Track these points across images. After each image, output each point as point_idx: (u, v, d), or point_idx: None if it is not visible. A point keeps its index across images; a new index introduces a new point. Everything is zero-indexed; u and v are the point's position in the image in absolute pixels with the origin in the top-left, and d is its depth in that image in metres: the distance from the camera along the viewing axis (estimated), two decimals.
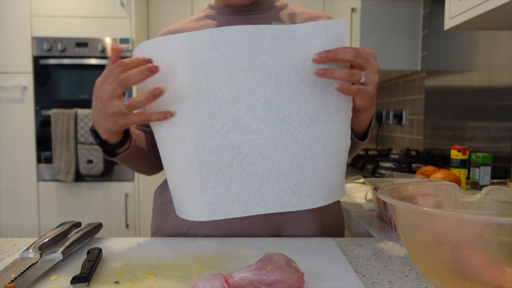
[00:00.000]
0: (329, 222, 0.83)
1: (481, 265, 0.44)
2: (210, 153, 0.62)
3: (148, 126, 0.85)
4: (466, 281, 0.46)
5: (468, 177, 1.29)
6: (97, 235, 0.74)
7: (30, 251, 0.60)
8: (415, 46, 2.15)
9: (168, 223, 0.81)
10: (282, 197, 0.64)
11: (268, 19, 0.81)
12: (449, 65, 1.85)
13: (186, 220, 0.78)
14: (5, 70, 2.56)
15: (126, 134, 0.71)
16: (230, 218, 0.72)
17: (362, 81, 0.62)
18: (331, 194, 0.68)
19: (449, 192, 0.61)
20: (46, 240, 0.65)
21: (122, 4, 2.57)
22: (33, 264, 0.57)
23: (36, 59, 2.57)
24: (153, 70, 0.58)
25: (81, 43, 2.58)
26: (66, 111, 2.55)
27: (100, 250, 0.62)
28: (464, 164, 1.27)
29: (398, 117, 2.37)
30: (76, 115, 2.54)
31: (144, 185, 2.66)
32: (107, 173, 2.61)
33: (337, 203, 0.86)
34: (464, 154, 1.27)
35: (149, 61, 0.60)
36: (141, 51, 0.62)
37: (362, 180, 1.45)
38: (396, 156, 1.93)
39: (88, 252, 0.62)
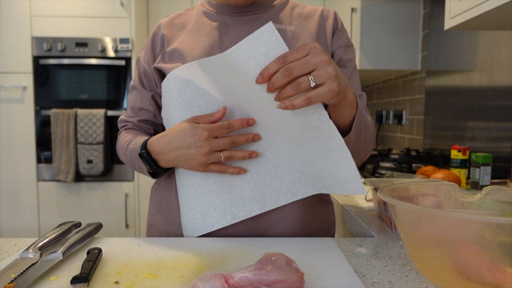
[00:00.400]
0: (316, 222, 0.82)
1: (481, 265, 0.44)
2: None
3: (155, 125, 0.89)
4: (466, 281, 0.46)
5: (468, 177, 1.29)
6: (97, 235, 0.74)
7: (30, 251, 0.60)
8: (415, 46, 2.15)
9: (160, 220, 0.83)
10: (292, 188, 0.71)
11: (265, 20, 0.80)
12: (449, 65, 1.85)
13: (176, 219, 0.80)
14: (5, 70, 2.56)
15: None
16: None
17: (312, 85, 0.55)
18: (339, 186, 0.67)
19: (449, 192, 0.61)
20: (46, 240, 0.65)
21: (122, 4, 2.57)
22: (33, 264, 0.57)
23: (36, 59, 2.57)
24: (256, 139, 0.70)
25: (81, 43, 2.58)
26: (66, 111, 2.55)
27: (100, 250, 0.62)
28: (464, 164, 1.27)
29: (398, 117, 2.37)
30: (76, 115, 2.54)
31: (144, 185, 2.66)
32: (107, 173, 2.61)
33: (328, 204, 0.86)
34: (464, 154, 1.27)
35: (251, 123, 0.68)
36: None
37: (362, 180, 1.45)
38: (396, 156, 1.93)
39: (88, 252, 0.62)
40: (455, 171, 1.27)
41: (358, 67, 2.12)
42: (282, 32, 0.79)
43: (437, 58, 1.96)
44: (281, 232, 0.77)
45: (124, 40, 2.58)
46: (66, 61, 2.56)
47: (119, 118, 0.91)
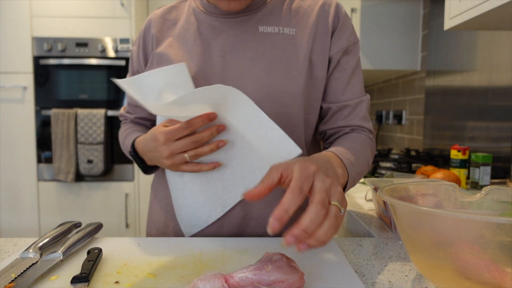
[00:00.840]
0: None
1: (481, 265, 0.44)
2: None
3: (149, 120, 0.90)
4: (466, 281, 0.46)
5: (468, 177, 1.29)
6: (97, 235, 0.74)
7: (30, 251, 0.60)
8: (415, 46, 2.15)
9: (159, 216, 0.84)
10: (261, 164, 0.72)
11: (255, 21, 0.76)
12: (449, 65, 1.85)
13: (172, 220, 0.82)
14: (5, 70, 2.56)
15: None
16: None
17: (341, 213, 0.49)
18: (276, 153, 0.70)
19: (449, 192, 0.61)
20: (46, 240, 0.65)
21: (122, 4, 2.57)
22: (33, 264, 0.57)
23: (36, 59, 2.57)
24: (221, 130, 0.67)
25: (81, 43, 2.58)
26: (66, 111, 2.55)
27: (100, 250, 0.62)
28: (464, 164, 1.27)
29: (398, 117, 2.37)
30: (76, 115, 2.54)
31: (144, 185, 2.66)
32: (107, 173, 2.62)
33: None
34: (464, 154, 1.27)
35: (213, 117, 0.65)
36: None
37: (362, 180, 1.45)
38: (396, 156, 1.93)
39: (88, 252, 0.62)
40: (455, 171, 1.27)
41: None
42: (271, 36, 0.74)
43: (437, 58, 1.96)
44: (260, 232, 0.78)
45: (124, 40, 2.58)
46: (66, 61, 2.56)
47: (120, 112, 0.94)
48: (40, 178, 2.64)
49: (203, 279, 0.47)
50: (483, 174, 1.23)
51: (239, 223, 0.77)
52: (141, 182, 2.66)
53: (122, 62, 2.58)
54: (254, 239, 0.72)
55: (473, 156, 1.26)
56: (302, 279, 0.50)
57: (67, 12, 2.56)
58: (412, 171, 1.50)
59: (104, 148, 2.55)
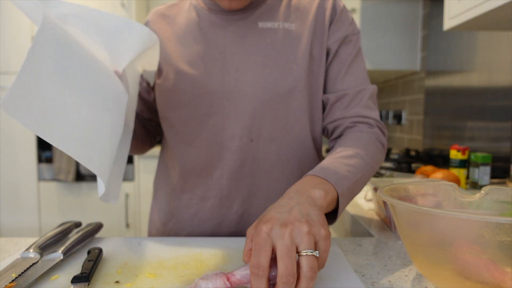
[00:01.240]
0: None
1: (481, 265, 0.44)
2: None
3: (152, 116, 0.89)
4: (466, 281, 0.46)
5: (467, 177, 1.29)
6: (97, 235, 0.74)
7: (31, 250, 0.61)
8: (414, 46, 2.15)
9: (159, 215, 0.85)
10: None
11: (255, 18, 0.76)
12: (449, 65, 1.85)
13: (171, 218, 0.82)
14: (5, 70, 2.56)
15: None
16: (211, 221, 0.79)
17: (317, 255, 0.46)
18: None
19: (448, 192, 0.61)
20: (46, 240, 0.65)
21: (123, 5, 2.57)
22: (33, 263, 0.57)
23: None
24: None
25: None
26: None
27: (100, 250, 0.62)
28: (464, 164, 1.27)
29: (398, 117, 2.37)
30: None
31: (144, 185, 2.66)
32: None
33: None
34: (463, 154, 1.27)
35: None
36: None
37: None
38: (396, 156, 1.93)
39: (89, 252, 0.62)
40: (455, 171, 1.27)
41: None
42: (271, 31, 0.75)
43: (437, 58, 1.97)
44: None
45: None
46: None
47: None
48: (40, 178, 2.64)
49: (205, 278, 0.47)
50: (482, 174, 1.24)
51: (238, 221, 0.77)
52: (141, 182, 2.66)
53: None
54: None
55: (472, 156, 1.26)
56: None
57: None
58: (412, 171, 1.50)
59: None
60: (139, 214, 2.68)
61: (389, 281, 0.56)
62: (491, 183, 1.26)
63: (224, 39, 0.75)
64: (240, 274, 0.47)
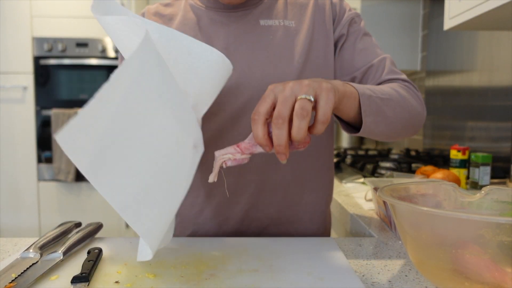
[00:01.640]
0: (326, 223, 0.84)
1: (481, 265, 0.44)
2: None
3: None
4: (466, 281, 0.46)
5: (467, 177, 1.29)
6: (97, 235, 0.74)
7: (31, 251, 0.61)
8: (414, 46, 2.15)
9: None
10: None
11: (256, 16, 0.77)
12: (449, 65, 1.85)
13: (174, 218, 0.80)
14: (5, 70, 2.56)
15: None
16: (214, 221, 0.78)
17: (311, 100, 0.49)
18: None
19: (448, 192, 0.61)
20: (46, 240, 0.65)
21: (123, 5, 2.57)
22: (33, 264, 0.57)
23: (36, 59, 2.57)
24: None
25: (82, 44, 2.58)
26: (67, 111, 2.55)
27: (100, 250, 0.62)
28: (464, 164, 1.27)
29: None
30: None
31: None
32: None
33: (328, 206, 0.86)
34: (463, 154, 1.27)
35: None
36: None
37: (362, 180, 1.45)
38: (396, 156, 1.93)
39: (89, 252, 0.62)
40: (455, 171, 1.27)
41: None
42: (272, 29, 0.76)
43: (437, 58, 1.96)
44: (301, 231, 0.78)
45: None
46: (66, 61, 2.56)
47: None
48: (40, 178, 2.64)
49: (218, 150, 0.55)
50: (482, 174, 1.23)
51: (243, 217, 0.77)
52: None
53: None
54: (254, 239, 0.72)
55: (472, 156, 1.26)
56: (309, 136, 0.53)
57: (67, 12, 2.56)
58: (412, 171, 1.50)
59: None
60: None
61: (389, 281, 0.55)
62: (492, 183, 1.26)
63: (226, 36, 0.76)
64: (248, 139, 0.54)
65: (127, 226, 2.66)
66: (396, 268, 0.60)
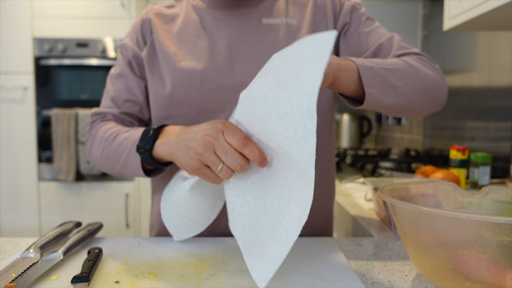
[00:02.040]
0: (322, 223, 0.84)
1: (481, 265, 0.44)
2: None
3: (139, 120, 0.81)
4: (466, 281, 0.46)
5: (467, 177, 1.29)
6: (97, 235, 0.74)
7: (31, 250, 0.61)
8: (414, 46, 2.15)
9: (159, 220, 0.82)
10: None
11: (258, 14, 0.77)
12: (448, 65, 1.85)
13: None
14: (6, 71, 2.56)
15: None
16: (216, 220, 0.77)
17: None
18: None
19: (448, 192, 0.61)
20: (46, 240, 0.65)
21: (123, 5, 2.57)
22: (33, 263, 0.57)
23: (37, 60, 2.57)
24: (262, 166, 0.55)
25: (82, 44, 2.58)
26: (67, 111, 2.55)
27: (100, 250, 0.62)
28: (464, 164, 1.27)
29: (398, 117, 2.37)
30: (77, 115, 2.55)
31: (144, 185, 2.66)
32: (107, 173, 2.61)
33: (331, 204, 0.86)
34: (463, 154, 1.27)
35: (264, 164, 0.55)
36: None
37: (362, 180, 1.46)
38: (396, 156, 1.93)
39: (89, 252, 0.62)
40: (454, 171, 1.27)
41: None
42: (274, 27, 0.76)
43: (436, 58, 1.96)
44: (303, 230, 0.78)
45: None
46: (67, 61, 2.56)
47: (93, 111, 0.81)
48: (40, 178, 2.64)
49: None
50: (482, 174, 1.23)
51: None
52: (141, 182, 2.66)
53: None
54: None
55: (472, 156, 1.26)
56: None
57: (67, 12, 2.56)
58: (412, 171, 1.50)
59: None
60: (139, 214, 2.68)
61: (389, 281, 0.56)
62: (491, 183, 1.26)
63: (229, 34, 0.76)
64: None
65: (127, 226, 2.66)
66: (396, 268, 0.60)
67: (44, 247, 0.63)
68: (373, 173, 1.52)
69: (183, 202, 0.65)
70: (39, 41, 2.56)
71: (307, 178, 0.47)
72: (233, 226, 0.58)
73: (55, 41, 2.56)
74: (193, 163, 0.56)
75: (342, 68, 0.57)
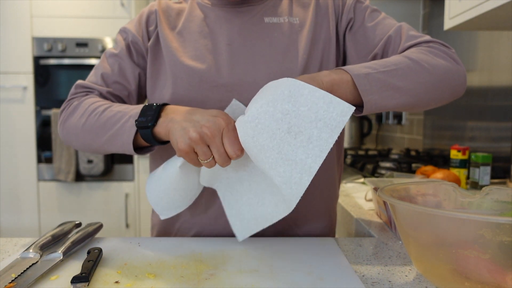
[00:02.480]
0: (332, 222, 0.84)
1: (481, 265, 0.44)
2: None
3: (121, 99, 0.80)
4: (466, 281, 0.46)
5: (468, 177, 1.29)
6: (97, 235, 0.74)
7: (31, 251, 0.60)
8: None
9: (161, 220, 0.82)
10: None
11: (260, 13, 0.77)
12: None
13: (177, 219, 0.80)
14: (5, 70, 2.56)
15: None
16: (218, 220, 0.78)
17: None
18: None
19: (449, 192, 0.61)
20: (46, 240, 0.65)
21: (122, 5, 2.57)
22: (33, 264, 0.57)
23: (36, 59, 2.57)
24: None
25: (81, 43, 2.58)
26: None
27: (100, 250, 0.62)
28: (464, 164, 1.27)
29: (398, 117, 2.37)
30: None
31: (144, 185, 2.66)
32: (107, 173, 2.61)
33: (334, 205, 0.86)
34: (464, 154, 1.27)
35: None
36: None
37: (362, 180, 1.45)
38: (396, 156, 1.93)
39: (88, 252, 0.62)
40: (455, 171, 1.27)
41: None
42: (277, 26, 0.76)
43: None
44: (307, 229, 0.78)
45: None
46: (66, 61, 2.56)
47: (77, 83, 0.78)
48: (40, 178, 2.64)
49: None
50: (483, 174, 1.23)
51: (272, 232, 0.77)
52: (141, 182, 2.66)
53: None
54: (254, 239, 0.72)
55: (473, 156, 1.26)
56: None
57: (67, 12, 2.56)
58: (412, 171, 1.50)
59: None
60: (139, 214, 2.68)
61: (389, 281, 0.55)
62: (492, 183, 1.26)
63: (230, 32, 0.76)
64: None
65: (127, 226, 2.66)
66: (396, 268, 0.60)
67: (44, 247, 0.63)
68: (374, 173, 1.52)
69: (173, 179, 0.67)
70: (38, 41, 2.56)
71: (287, 204, 0.57)
72: (219, 186, 0.70)
73: (55, 40, 2.56)
74: (184, 146, 0.58)
75: (336, 83, 0.58)
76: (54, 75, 2.59)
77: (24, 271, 0.55)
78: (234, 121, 0.59)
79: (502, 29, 1.26)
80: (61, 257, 0.60)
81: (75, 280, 0.52)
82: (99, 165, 2.55)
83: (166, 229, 0.82)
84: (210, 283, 0.53)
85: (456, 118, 1.77)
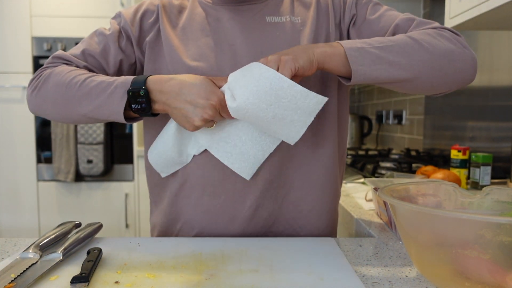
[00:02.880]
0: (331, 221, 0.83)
1: (481, 265, 0.44)
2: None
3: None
4: (466, 281, 0.46)
5: (468, 177, 1.29)
6: (97, 235, 0.74)
7: (30, 251, 0.60)
8: None
9: (162, 220, 0.82)
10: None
11: (262, 12, 0.77)
12: None
13: (178, 219, 0.80)
14: (5, 70, 2.55)
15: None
16: (221, 220, 0.78)
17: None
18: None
19: (449, 192, 0.61)
20: (46, 240, 0.65)
21: (122, 4, 2.57)
22: (33, 264, 0.57)
23: (36, 59, 2.57)
24: None
25: None
26: None
27: (100, 250, 0.62)
28: (464, 164, 1.27)
29: (398, 117, 2.37)
30: None
31: (144, 185, 2.66)
32: (107, 173, 2.61)
33: (335, 205, 0.85)
34: (464, 154, 1.27)
35: None
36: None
37: (362, 180, 1.45)
38: (396, 156, 1.93)
39: (88, 252, 0.62)
40: (455, 171, 1.27)
41: None
42: (278, 25, 0.77)
43: None
44: (308, 229, 0.79)
45: None
46: None
47: (56, 54, 0.76)
48: (39, 178, 2.64)
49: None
50: (483, 174, 1.23)
51: (251, 216, 0.76)
52: (141, 182, 2.66)
53: None
54: (254, 239, 0.72)
55: (473, 156, 1.26)
56: None
57: (67, 12, 2.56)
58: (412, 171, 1.50)
59: (104, 148, 2.55)
60: (138, 214, 2.68)
61: (389, 281, 0.55)
62: (492, 183, 1.26)
63: (232, 31, 0.76)
64: None
65: (127, 226, 2.66)
66: (396, 268, 0.60)
67: (44, 248, 0.63)
68: (374, 173, 1.52)
69: (171, 136, 0.74)
70: (38, 41, 2.56)
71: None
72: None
73: (54, 40, 2.56)
74: (192, 129, 0.67)
75: (328, 55, 0.64)
76: None
77: (24, 271, 0.55)
78: (223, 92, 0.66)
79: (502, 29, 1.26)
80: (61, 257, 0.60)
81: (74, 280, 0.52)
82: (98, 165, 2.55)
83: (167, 229, 0.82)
84: (210, 283, 0.53)
85: (456, 118, 1.77)
